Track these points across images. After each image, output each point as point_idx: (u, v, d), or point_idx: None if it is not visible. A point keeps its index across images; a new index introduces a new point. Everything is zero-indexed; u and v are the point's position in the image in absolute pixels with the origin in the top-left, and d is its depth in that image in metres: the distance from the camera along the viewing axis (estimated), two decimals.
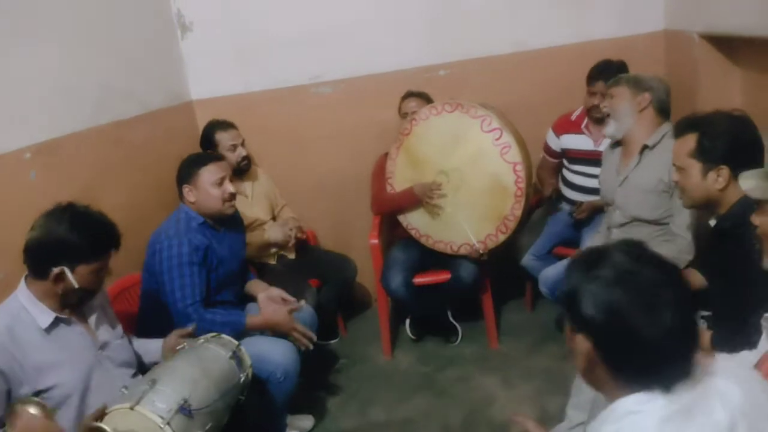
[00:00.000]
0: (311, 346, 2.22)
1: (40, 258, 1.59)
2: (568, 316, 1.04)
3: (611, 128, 2.31)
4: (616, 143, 2.39)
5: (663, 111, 2.25)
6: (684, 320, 0.96)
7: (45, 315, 1.62)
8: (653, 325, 0.94)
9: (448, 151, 2.66)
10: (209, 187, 2.21)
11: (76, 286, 1.59)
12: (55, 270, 1.57)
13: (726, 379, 1.01)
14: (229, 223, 2.35)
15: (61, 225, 1.58)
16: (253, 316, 2.21)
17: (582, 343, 1.01)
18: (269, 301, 2.32)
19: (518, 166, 2.54)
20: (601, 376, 1.02)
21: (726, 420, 0.96)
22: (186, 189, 2.24)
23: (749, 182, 1.42)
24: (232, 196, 2.26)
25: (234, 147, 2.83)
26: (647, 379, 0.97)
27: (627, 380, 0.99)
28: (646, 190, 2.21)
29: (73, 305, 1.68)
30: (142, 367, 1.90)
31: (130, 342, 1.91)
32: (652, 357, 0.96)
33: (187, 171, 2.25)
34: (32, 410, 1.24)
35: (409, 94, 2.96)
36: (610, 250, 1.02)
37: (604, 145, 2.72)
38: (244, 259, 2.49)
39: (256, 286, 2.44)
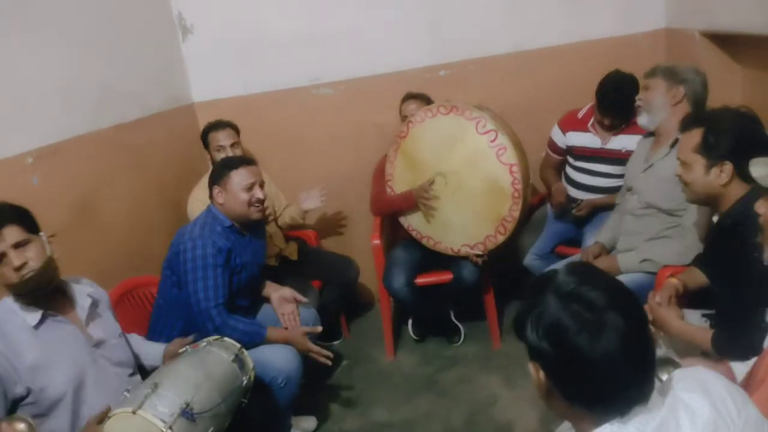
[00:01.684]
0: (330, 363, 2.23)
1: None
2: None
3: (644, 120, 2.30)
4: (650, 134, 2.38)
5: (698, 104, 2.23)
6: (633, 343, 0.92)
7: (33, 313, 1.63)
8: (597, 349, 0.90)
9: (444, 153, 2.65)
10: (238, 190, 2.21)
11: None
12: None
13: (691, 392, 0.98)
14: (254, 228, 2.35)
15: None
16: (273, 329, 2.21)
17: (536, 372, 0.99)
18: (282, 300, 2.34)
19: (514, 167, 2.53)
20: (560, 406, 0.99)
21: None
22: (216, 190, 2.24)
23: (761, 169, 1.36)
24: (260, 202, 2.25)
25: (221, 148, 2.78)
26: (602, 407, 0.94)
27: (582, 408, 0.96)
28: (666, 178, 2.19)
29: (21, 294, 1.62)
30: (141, 369, 1.90)
31: (128, 342, 1.90)
32: (601, 383, 0.92)
33: (219, 173, 2.26)
34: (20, 426, 1.24)
35: (409, 96, 2.95)
36: (555, 273, 0.99)
37: (611, 144, 2.72)
38: (264, 264, 2.48)
39: (268, 287, 2.45)
